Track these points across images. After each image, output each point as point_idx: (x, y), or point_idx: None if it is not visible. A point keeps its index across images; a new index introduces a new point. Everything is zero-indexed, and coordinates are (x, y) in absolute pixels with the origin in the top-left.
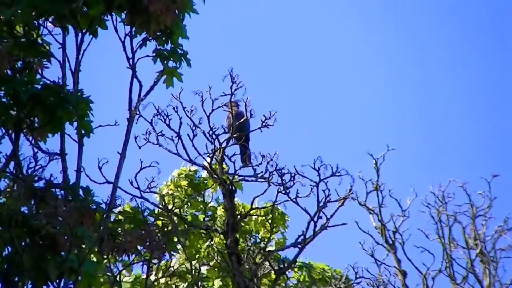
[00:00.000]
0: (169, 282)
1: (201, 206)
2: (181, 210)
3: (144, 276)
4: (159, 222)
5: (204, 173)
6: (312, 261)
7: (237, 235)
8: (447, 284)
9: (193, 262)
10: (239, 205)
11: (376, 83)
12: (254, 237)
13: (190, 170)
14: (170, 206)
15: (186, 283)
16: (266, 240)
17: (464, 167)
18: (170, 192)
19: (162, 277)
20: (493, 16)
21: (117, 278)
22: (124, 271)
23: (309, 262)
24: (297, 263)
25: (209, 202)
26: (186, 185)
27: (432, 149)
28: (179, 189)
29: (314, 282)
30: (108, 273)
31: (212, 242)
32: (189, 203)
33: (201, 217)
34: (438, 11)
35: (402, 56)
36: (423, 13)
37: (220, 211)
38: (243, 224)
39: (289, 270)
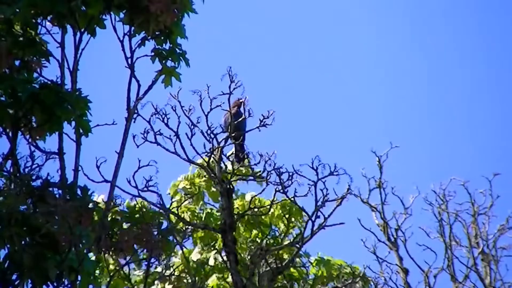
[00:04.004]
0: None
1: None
2: (195, 207)
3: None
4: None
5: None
6: (330, 257)
7: (237, 234)
8: (448, 282)
9: (212, 253)
10: (255, 199)
11: (379, 81)
12: (273, 230)
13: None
14: (185, 202)
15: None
16: (283, 234)
17: (465, 166)
18: (187, 186)
19: (161, 277)
20: (500, 17)
21: (124, 275)
22: (135, 267)
23: (327, 258)
24: (316, 258)
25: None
26: (206, 176)
27: (435, 146)
28: (192, 186)
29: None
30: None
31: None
32: (201, 199)
33: (214, 212)
34: (443, 9)
35: (405, 53)
36: (427, 10)
37: (236, 204)
38: (263, 217)
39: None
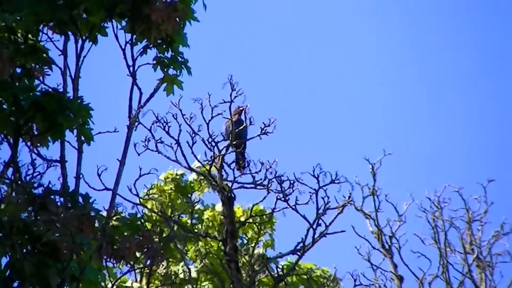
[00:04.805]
0: None
1: (189, 209)
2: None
3: (130, 282)
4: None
5: (191, 177)
6: (299, 261)
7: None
8: None
9: (181, 264)
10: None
11: (373, 88)
12: (241, 238)
13: (176, 174)
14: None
15: None
16: (254, 241)
17: (459, 172)
18: (155, 196)
19: (163, 285)
20: (496, 23)
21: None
22: (107, 276)
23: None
24: (285, 264)
25: (196, 204)
26: (173, 188)
27: (429, 153)
28: (162, 193)
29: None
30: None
31: (198, 246)
32: (173, 207)
33: (184, 220)
34: (439, 16)
35: (398, 61)
36: (423, 18)
37: (206, 215)
38: None
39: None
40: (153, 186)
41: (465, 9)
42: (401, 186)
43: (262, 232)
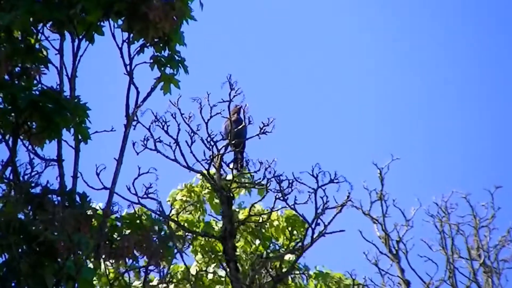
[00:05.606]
0: None
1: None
2: (193, 216)
3: (155, 282)
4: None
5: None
6: (329, 270)
7: (236, 242)
8: None
9: (213, 266)
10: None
11: (381, 92)
12: (273, 243)
13: (214, 174)
14: (181, 213)
15: None
16: (285, 247)
17: (467, 178)
18: (184, 198)
19: (161, 282)
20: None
21: (122, 281)
22: (132, 277)
23: (326, 272)
24: (314, 272)
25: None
26: (209, 188)
27: (436, 159)
28: (192, 194)
29: None
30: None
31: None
32: (201, 208)
33: (213, 222)
34: (449, 18)
35: (406, 65)
36: (431, 21)
37: (242, 215)
38: (263, 230)
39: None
40: (183, 187)
41: (468, 10)
42: (408, 191)
43: (294, 237)
